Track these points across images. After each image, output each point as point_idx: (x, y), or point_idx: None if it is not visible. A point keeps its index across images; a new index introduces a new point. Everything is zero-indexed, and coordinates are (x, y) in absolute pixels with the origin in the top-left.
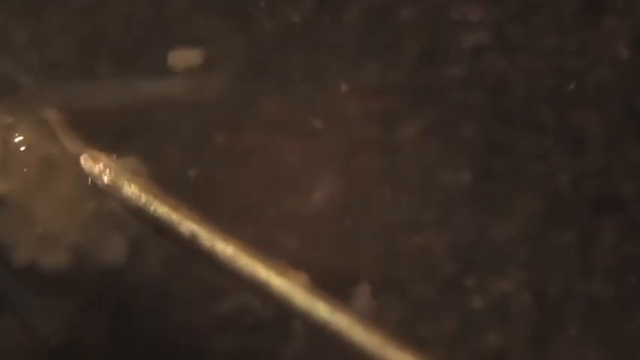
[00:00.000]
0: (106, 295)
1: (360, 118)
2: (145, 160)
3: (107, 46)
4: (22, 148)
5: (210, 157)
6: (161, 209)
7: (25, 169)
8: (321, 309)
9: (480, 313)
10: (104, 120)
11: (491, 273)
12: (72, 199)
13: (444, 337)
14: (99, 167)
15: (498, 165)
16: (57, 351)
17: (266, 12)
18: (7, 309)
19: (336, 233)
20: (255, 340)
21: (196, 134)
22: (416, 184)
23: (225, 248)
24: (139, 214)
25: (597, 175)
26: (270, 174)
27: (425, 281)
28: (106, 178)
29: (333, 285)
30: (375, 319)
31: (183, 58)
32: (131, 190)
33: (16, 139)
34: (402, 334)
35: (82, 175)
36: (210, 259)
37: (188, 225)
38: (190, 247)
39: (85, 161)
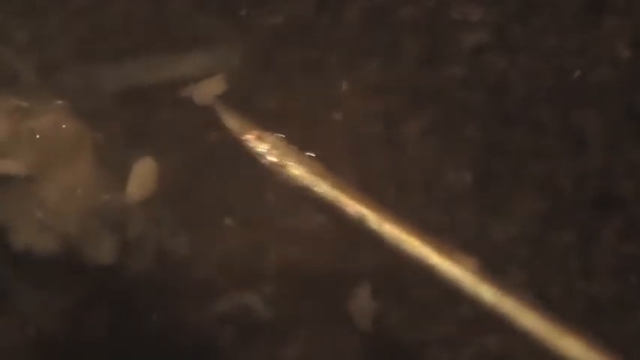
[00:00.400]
0: (105, 292)
1: (360, 117)
2: None
3: (107, 47)
4: (36, 133)
5: None
6: (327, 190)
7: (35, 154)
8: (488, 293)
9: (480, 313)
10: None
11: (491, 273)
12: (77, 191)
13: (444, 337)
14: (265, 146)
15: (498, 165)
16: (56, 347)
17: (266, 12)
18: (6, 304)
19: (338, 233)
20: (254, 339)
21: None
22: (416, 183)
23: (393, 230)
24: (304, 193)
25: (597, 175)
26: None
27: (425, 281)
28: (272, 157)
29: (333, 285)
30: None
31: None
32: (297, 169)
33: (31, 124)
34: (402, 334)
35: (94, 166)
36: (377, 241)
37: (355, 207)
38: (358, 229)
39: (251, 140)
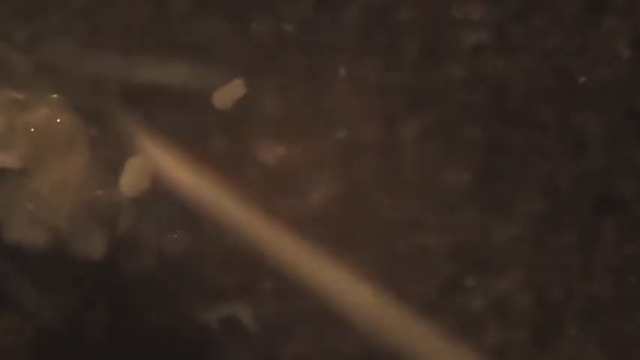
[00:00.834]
0: (103, 289)
1: (360, 118)
2: None
3: (107, 47)
4: (30, 126)
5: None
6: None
7: (29, 147)
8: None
9: (480, 313)
10: None
11: (491, 273)
12: (70, 185)
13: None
14: None
15: (498, 165)
16: (55, 346)
17: (266, 12)
18: (6, 300)
19: (336, 233)
20: (253, 339)
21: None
22: (416, 184)
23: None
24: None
25: (597, 175)
26: (270, 173)
27: (425, 281)
28: None
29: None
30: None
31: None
32: None
33: (25, 117)
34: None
35: (88, 161)
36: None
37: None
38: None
39: None
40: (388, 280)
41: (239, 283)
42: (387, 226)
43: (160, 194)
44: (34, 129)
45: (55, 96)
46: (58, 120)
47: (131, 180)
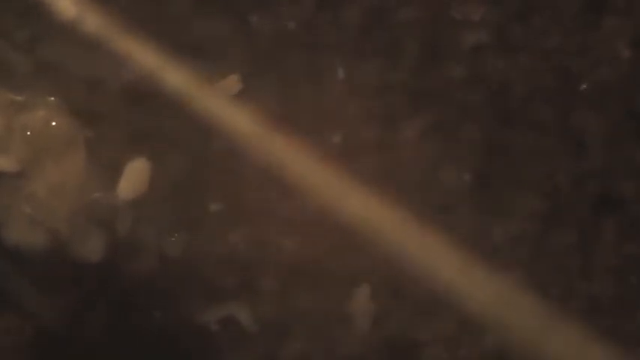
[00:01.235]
0: (102, 291)
1: (360, 118)
2: None
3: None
4: (27, 128)
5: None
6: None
7: (26, 149)
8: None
9: (479, 313)
10: None
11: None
12: (67, 188)
13: (444, 337)
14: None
15: (498, 165)
16: (55, 346)
17: (266, 12)
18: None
19: (336, 233)
20: (253, 339)
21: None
22: (416, 184)
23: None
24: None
25: (597, 175)
26: (270, 174)
27: (425, 281)
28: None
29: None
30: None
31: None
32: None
33: (23, 118)
34: (403, 334)
35: (85, 164)
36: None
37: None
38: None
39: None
40: (388, 280)
41: (239, 283)
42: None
43: (158, 196)
44: (31, 132)
45: (53, 99)
46: (54, 123)
47: (130, 183)
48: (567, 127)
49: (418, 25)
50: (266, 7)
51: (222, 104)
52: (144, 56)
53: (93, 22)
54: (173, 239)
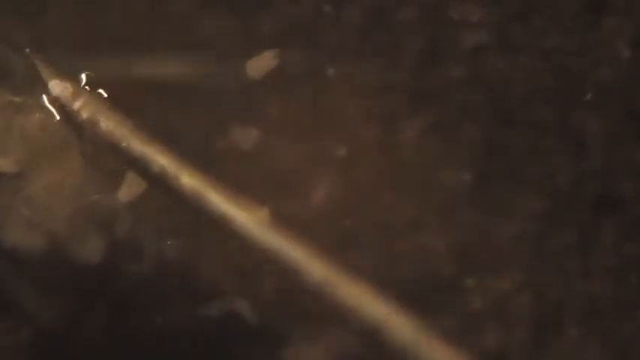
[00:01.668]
0: (103, 292)
1: (360, 118)
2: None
3: (107, 48)
4: (24, 130)
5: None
6: (134, 144)
7: (24, 151)
8: (281, 244)
9: (480, 313)
10: None
11: (491, 273)
12: (65, 189)
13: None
14: (78, 103)
15: (498, 165)
16: (54, 347)
17: (266, 12)
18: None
19: (336, 233)
20: (252, 340)
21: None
22: (416, 184)
23: (191, 182)
24: (114, 148)
25: (597, 175)
26: (270, 174)
27: (425, 281)
28: (84, 114)
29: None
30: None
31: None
32: (107, 125)
33: (21, 119)
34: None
35: (83, 164)
36: (177, 194)
37: (157, 159)
38: (160, 183)
39: (65, 97)
40: (388, 280)
41: (239, 283)
42: (387, 226)
43: (158, 199)
44: (29, 133)
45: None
46: (52, 124)
47: (130, 187)
48: (567, 127)
49: (418, 25)
50: (265, 6)
51: None
52: None
53: None
54: (169, 243)
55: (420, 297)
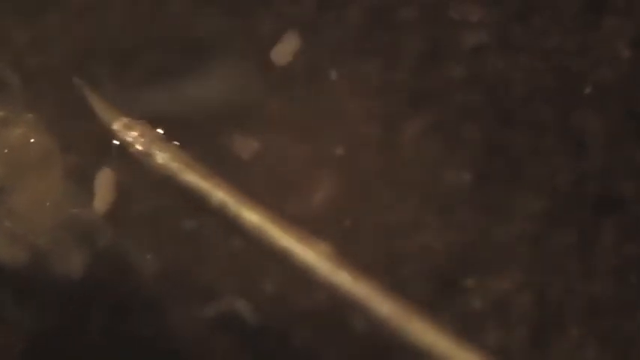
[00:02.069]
0: (101, 298)
1: (360, 118)
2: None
3: (107, 48)
4: (9, 143)
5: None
6: (191, 177)
7: (6, 165)
8: (342, 278)
9: (479, 313)
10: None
11: (491, 273)
12: (47, 203)
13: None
14: (133, 134)
15: (498, 165)
16: (51, 352)
17: (266, 12)
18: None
19: (337, 233)
20: (248, 341)
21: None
22: (416, 184)
23: (252, 217)
24: (169, 182)
25: (597, 175)
26: (270, 174)
27: (425, 281)
28: (139, 146)
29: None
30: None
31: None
32: (163, 158)
33: (4, 133)
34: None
35: (62, 180)
36: (237, 229)
37: (216, 193)
38: (220, 216)
39: (119, 128)
40: (388, 280)
41: (239, 284)
42: (387, 226)
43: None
44: (12, 147)
45: (31, 115)
46: (32, 140)
47: (102, 196)
48: (567, 127)
49: (418, 25)
50: (266, 6)
51: None
52: None
53: None
54: (149, 257)
55: (420, 297)
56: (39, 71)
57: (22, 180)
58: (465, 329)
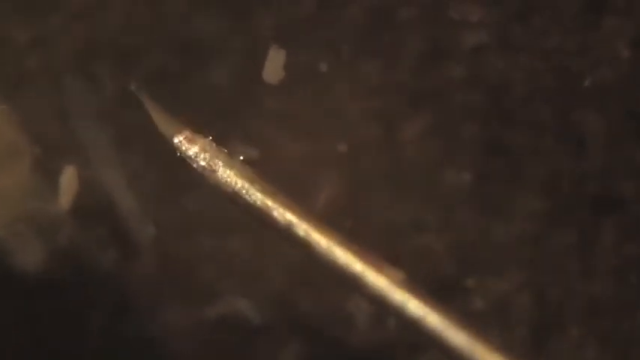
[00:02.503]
0: (101, 297)
1: (360, 118)
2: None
3: (107, 48)
4: None
5: None
6: (257, 195)
7: None
8: (414, 306)
9: (480, 313)
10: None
11: (491, 273)
12: (11, 194)
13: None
14: (195, 149)
15: (498, 165)
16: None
17: (266, 12)
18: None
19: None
20: (247, 342)
21: None
22: (416, 184)
23: (321, 239)
24: (233, 199)
25: (597, 175)
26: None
27: (425, 281)
28: (202, 161)
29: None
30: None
31: None
32: (227, 174)
33: None
34: (403, 334)
35: (29, 172)
36: (305, 249)
37: (283, 213)
38: (285, 235)
39: (181, 143)
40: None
41: (239, 284)
42: (387, 227)
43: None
44: None
45: (4, 107)
46: (1, 131)
47: (66, 192)
48: (567, 127)
49: (418, 25)
50: (265, 6)
51: None
52: None
53: None
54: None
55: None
56: (39, 71)
57: None
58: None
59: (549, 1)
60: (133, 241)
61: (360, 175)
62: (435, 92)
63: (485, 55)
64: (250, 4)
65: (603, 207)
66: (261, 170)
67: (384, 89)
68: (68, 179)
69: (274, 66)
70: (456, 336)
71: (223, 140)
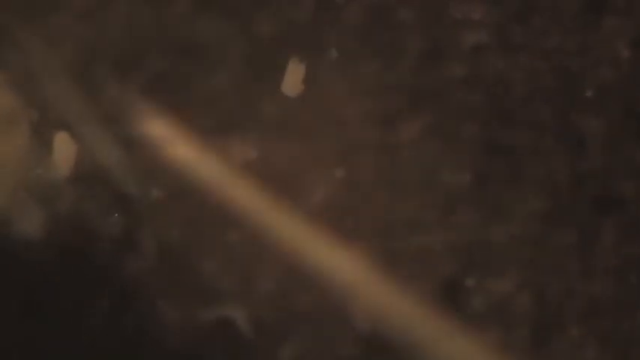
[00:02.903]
0: (102, 290)
1: (360, 118)
2: None
3: (108, 51)
4: None
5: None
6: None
7: None
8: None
9: (480, 313)
10: None
11: (491, 273)
12: (10, 163)
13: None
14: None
15: (498, 165)
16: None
17: (266, 12)
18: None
19: (336, 233)
20: (246, 342)
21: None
22: (416, 184)
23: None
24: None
25: (597, 175)
26: (270, 174)
27: (425, 281)
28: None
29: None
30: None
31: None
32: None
33: None
34: (403, 334)
35: (27, 141)
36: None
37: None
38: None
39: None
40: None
41: (237, 284)
42: (387, 227)
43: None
44: None
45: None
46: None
47: (62, 159)
48: (567, 127)
49: (418, 25)
50: (266, 6)
51: None
52: None
53: None
54: (113, 218)
55: (420, 297)
56: (39, 72)
57: None
58: (465, 329)
59: (549, 1)
60: (135, 207)
61: (360, 174)
62: (434, 92)
63: (485, 55)
64: (250, 5)
65: (603, 207)
66: (260, 170)
67: (384, 89)
68: (63, 145)
69: (293, 79)
70: (454, 337)
71: (223, 141)
